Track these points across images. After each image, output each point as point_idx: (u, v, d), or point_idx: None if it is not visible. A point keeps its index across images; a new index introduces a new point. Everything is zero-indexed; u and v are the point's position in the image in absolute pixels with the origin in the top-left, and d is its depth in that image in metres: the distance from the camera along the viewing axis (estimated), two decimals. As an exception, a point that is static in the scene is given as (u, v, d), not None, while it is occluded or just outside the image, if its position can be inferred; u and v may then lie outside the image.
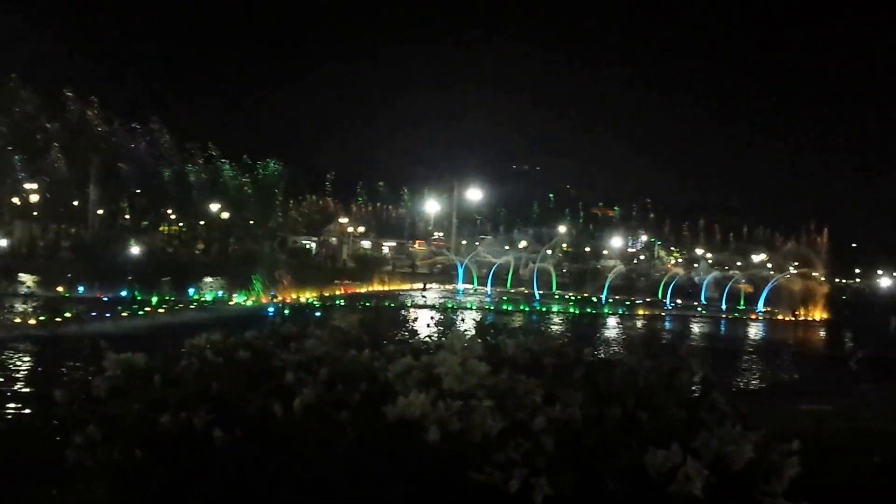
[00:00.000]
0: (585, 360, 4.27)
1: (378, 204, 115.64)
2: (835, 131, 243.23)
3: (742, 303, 58.15)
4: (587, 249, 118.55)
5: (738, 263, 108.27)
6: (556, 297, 57.41)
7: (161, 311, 31.88)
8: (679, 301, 56.92)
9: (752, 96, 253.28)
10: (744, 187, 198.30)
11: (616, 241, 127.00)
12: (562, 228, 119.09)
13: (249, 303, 37.33)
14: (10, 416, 14.89)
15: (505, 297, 54.48)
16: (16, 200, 75.07)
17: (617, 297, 58.10)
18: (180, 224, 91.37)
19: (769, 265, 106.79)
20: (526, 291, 58.19)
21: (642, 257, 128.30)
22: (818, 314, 56.03)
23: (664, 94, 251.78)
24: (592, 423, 3.51)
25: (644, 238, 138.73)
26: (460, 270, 66.19)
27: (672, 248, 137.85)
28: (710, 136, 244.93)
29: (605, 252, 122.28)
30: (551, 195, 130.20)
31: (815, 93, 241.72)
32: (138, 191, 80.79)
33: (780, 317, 54.58)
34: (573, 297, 56.23)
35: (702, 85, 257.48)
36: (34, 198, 75.65)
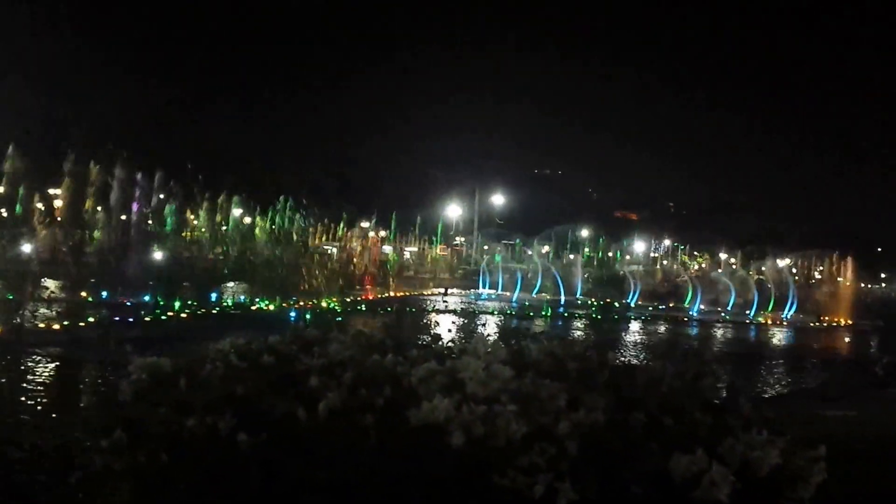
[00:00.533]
0: (609, 364, 4.25)
1: (400, 208, 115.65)
2: (863, 133, 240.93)
3: (771, 307, 57.63)
4: (609, 254, 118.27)
5: (763, 268, 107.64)
6: (580, 302, 57.16)
7: (184, 315, 31.94)
8: (703, 306, 56.51)
9: (779, 98, 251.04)
10: (769, 191, 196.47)
11: (639, 246, 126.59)
12: (584, 232, 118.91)
13: (272, 307, 37.38)
14: (36, 421, 14.99)
15: (527, 303, 54.30)
16: (40, 206, 75.76)
17: (641, 301, 57.84)
18: (203, 229, 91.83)
19: (793, 269, 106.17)
20: (549, 297, 57.97)
21: (665, 262, 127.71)
22: (843, 319, 55.54)
23: (687, 97, 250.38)
24: (616, 427, 3.50)
25: (667, 242, 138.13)
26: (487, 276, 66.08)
27: (696, 252, 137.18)
28: (734, 139, 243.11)
29: (627, 257, 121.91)
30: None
31: (844, 95, 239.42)
32: (161, 196, 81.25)
33: (806, 322, 54.15)
34: (597, 302, 55.99)
35: (727, 87, 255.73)
36: (58, 203, 76.33)
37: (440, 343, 4.62)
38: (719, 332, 45.70)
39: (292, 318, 33.37)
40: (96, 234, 62.27)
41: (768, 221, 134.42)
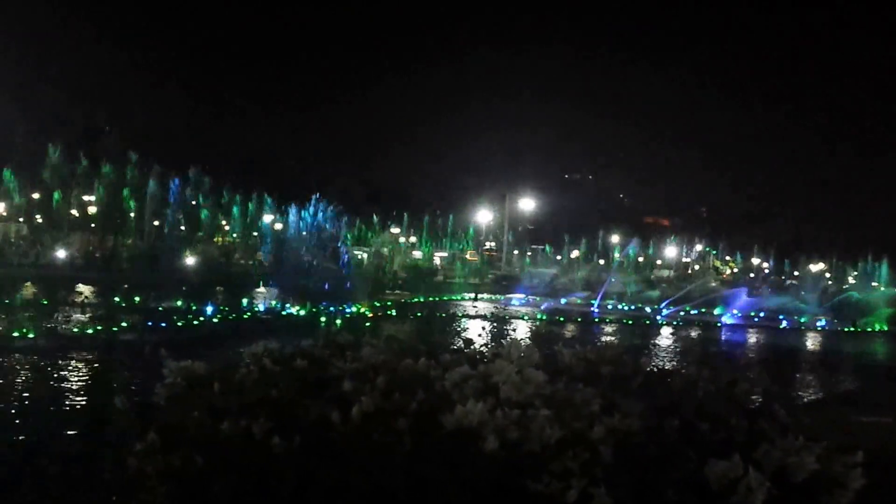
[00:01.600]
0: (643, 370, 4.23)
1: (430, 214, 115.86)
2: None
3: (804, 313, 56.99)
4: (640, 259, 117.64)
5: (796, 273, 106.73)
6: (610, 307, 56.91)
7: (215, 320, 32.21)
8: (736, 311, 56.05)
9: (816, 103, 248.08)
10: (803, 196, 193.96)
11: (670, 251, 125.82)
12: (615, 238, 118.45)
13: (303, 312, 37.58)
14: (71, 424, 15.16)
15: (559, 308, 54.17)
16: (74, 212, 76.82)
17: (673, 307, 57.53)
18: (234, 235, 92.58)
19: (827, 274, 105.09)
20: (580, 302, 57.85)
21: (697, 267, 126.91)
22: (879, 325, 54.85)
23: (719, 101, 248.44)
24: (651, 433, 3.47)
25: (699, 247, 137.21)
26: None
27: (728, 258, 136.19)
28: (768, 144, 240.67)
29: (658, 262, 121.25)
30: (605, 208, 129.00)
31: (883, 101, 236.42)
32: (193, 202, 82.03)
33: (841, 328, 53.55)
34: (628, 308, 55.78)
35: (763, 91, 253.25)
36: (92, 209, 77.49)
37: (472, 347, 4.61)
38: (752, 338, 45.34)
39: (324, 323, 33.53)
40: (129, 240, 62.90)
41: (802, 226, 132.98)
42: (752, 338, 45.62)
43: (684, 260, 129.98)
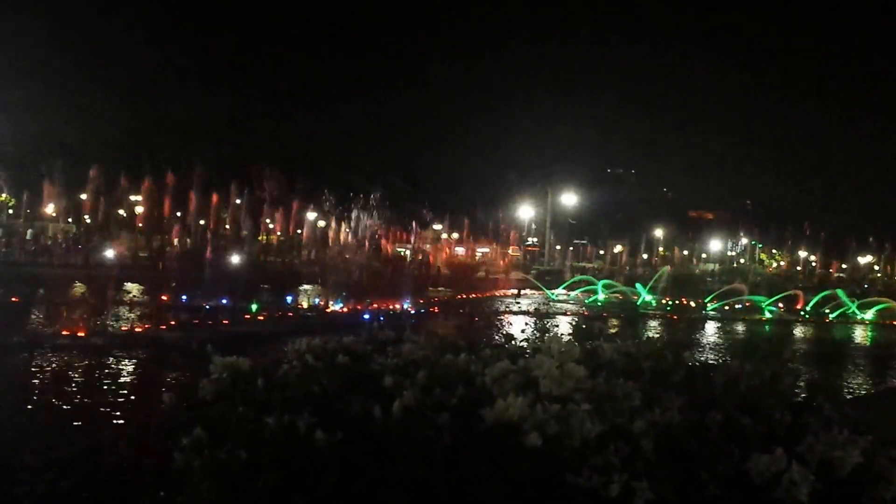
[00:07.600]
0: (685, 363, 4.21)
1: (473, 210, 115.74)
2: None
3: (851, 305, 56.05)
4: (685, 253, 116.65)
5: (844, 266, 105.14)
6: (654, 302, 56.55)
7: (261, 318, 32.55)
8: (781, 305, 55.38)
9: (863, 93, 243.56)
10: (851, 187, 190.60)
11: (715, 245, 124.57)
12: (658, 232, 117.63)
13: (346, 310, 37.86)
14: (120, 420, 15.45)
15: (600, 303, 53.95)
16: (121, 212, 78.08)
17: (716, 301, 57.03)
18: (279, 233, 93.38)
19: (876, 266, 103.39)
20: (621, 297, 57.56)
21: (742, 261, 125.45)
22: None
23: (765, 91, 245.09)
24: (693, 427, 3.46)
25: (744, 241, 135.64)
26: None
27: (774, 251, 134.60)
28: (813, 135, 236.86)
29: (703, 256, 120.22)
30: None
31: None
32: (238, 201, 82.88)
33: (888, 320, 52.67)
34: (672, 303, 55.39)
35: (807, 80, 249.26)
36: (139, 209, 78.79)
37: (513, 343, 4.62)
38: (798, 331, 44.81)
39: (366, 320, 33.71)
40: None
41: (850, 218, 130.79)
42: (798, 331, 45.08)
43: (729, 254, 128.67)
